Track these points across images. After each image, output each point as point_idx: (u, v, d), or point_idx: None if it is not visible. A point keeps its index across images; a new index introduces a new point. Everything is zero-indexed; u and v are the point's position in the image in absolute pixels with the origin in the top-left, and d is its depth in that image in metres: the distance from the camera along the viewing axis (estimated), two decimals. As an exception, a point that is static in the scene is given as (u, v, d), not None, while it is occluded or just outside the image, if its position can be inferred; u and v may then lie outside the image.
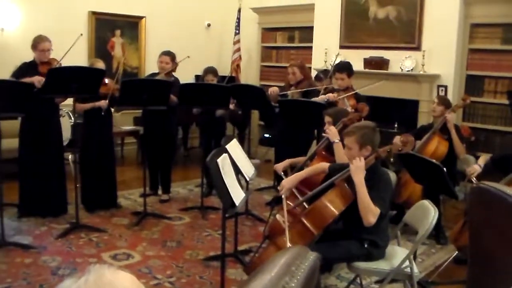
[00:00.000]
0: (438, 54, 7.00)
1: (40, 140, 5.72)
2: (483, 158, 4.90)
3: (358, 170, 3.49)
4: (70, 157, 7.20)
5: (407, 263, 3.50)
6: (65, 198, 5.99)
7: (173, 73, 6.53)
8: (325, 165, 4.11)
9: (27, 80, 5.24)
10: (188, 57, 6.36)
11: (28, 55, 5.71)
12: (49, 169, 5.79)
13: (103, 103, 5.90)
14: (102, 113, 5.89)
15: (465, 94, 6.46)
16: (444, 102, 5.82)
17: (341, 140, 4.28)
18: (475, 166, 4.79)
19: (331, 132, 4.54)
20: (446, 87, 6.98)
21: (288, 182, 3.98)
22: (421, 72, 7.11)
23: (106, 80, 5.88)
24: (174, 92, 6.01)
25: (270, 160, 8.21)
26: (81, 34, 5.71)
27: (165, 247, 5.13)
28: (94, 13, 8.55)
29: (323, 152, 4.79)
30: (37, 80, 5.25)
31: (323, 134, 4.76)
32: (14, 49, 7.16)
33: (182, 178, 7.72)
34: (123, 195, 6.68)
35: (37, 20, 7.69)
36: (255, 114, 9.06)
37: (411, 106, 7.29)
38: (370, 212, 3.40)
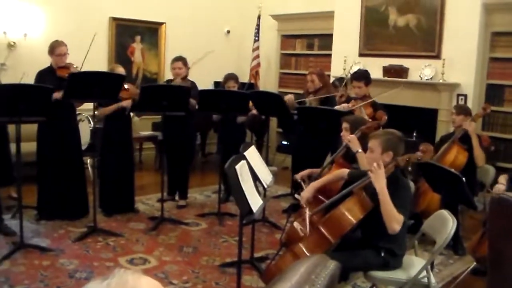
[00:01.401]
0: (458, 62, 6.95)
1: (58, 144, 5.77)
2: (503, 177, 4.83)
3: (379, 178, 3.46)
4: (88, 161, 7.25)
5: (424, 273, 3.47)
6: (85, 202, 6.03)
7: (188, 77, 6.53)
8: (344, 171, 4.10)
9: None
10: (213, 51, 6.31)
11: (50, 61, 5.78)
12: (67, 173, 5.85)
13: (128, 102, 5.94)
14: (126, 113, 5.93)
15: (486, 103, 6.41)
16: (462, 110, 5.77)
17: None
18: (499, 185, 4.73)
19: (352, 142, 4.52)
20: (466, 96, 6.93)
21: (306, 192, 3.99)
22: (441, 81, 7.06)
23: (126, 85, 5.91)
24: (193, 95, 6.04)
25: (287, 167, 8.19)
26: (96, 33, 5.73)
27: (182, 253, 5.14)
28: (114, 19, 8.61)
29: (341, 160, 4.77)
30: (57, 96, 5.31)
31: (344, 141, 4.74)
32: (36, 54, 7.23)
33: (199, 184, 7.74)
34: (140, 200, 6.71)
35: (59, 26, 7.77)
36: (273, 121, 9.06)
37: (430, 115, 7.24)
38: (394, 219, 3.38)
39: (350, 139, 4.55)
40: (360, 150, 4.42)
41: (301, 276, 1.32)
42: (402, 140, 3.75)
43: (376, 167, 3.48)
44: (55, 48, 5.65)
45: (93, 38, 5.71)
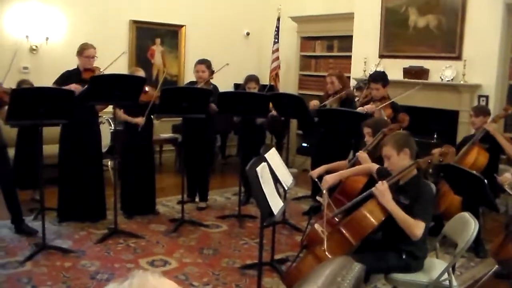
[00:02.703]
0: (479, 63, 6.89)
1: (80, 146, 5.82)
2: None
3: (382, 194, 3.49)
4: (109, 163, 7.31)
5: (446, 275, 3.45)
6: (103, 205, 6.07)
7: (211, 81, 6.55)
8: (373, 166, 4.08)
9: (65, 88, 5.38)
10: (227, 64, 6.36)
11: (71, 64, 5.85)
12: (88, 175, 5.90)
13: (140, 120, 5.97)
14: (139, 129, 5.96)
15: (507, 104, 6.35)
16: (481, 111, 5.71)
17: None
18: (507, 174, 4.70)
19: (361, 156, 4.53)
20: (487, 97, 6.87)
21: (332, 177, 4.00)
22: (462, 82, 7.01)
23: (147, 88, 5.95)
24: (214, 100, 6.06)
25: (307, 169, 8.17)
26: (124, 52, 5.78)
27: (202, 255, 5.16)
28: (135, 22, 8.68)
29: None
30: (74, 87, 5.36)
31: (357, 154, 4.72)
32: (58, 57, 7.33)
33: (219, 186, 7.76)
34: (161, 202, 6.74)
35: (80, 29, 7.85)
36: (293, 123, 9.05)
37: (451, 117, 7.19)
38: (413, 226, 3.37)
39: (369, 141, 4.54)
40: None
41: (327, 279, 1.32)
42: (411, 136, 3.74)
43: (379, 185, 3.51)
44: (84, 50, 5.72)
45: (120, 54, 5.74)
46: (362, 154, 4.53)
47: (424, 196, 3.54)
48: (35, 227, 5.53)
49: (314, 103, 6.40)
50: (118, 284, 1.22)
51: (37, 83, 5.98)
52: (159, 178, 6.75)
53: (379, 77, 6.03)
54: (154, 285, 1.22)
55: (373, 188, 3.57)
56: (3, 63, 5.90)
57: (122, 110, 6.01)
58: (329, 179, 4.05)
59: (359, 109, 5.91)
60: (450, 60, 7.19)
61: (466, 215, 3.65)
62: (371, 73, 6.94)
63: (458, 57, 7.09)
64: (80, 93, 5.32)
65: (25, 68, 7.59)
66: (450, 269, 3.49)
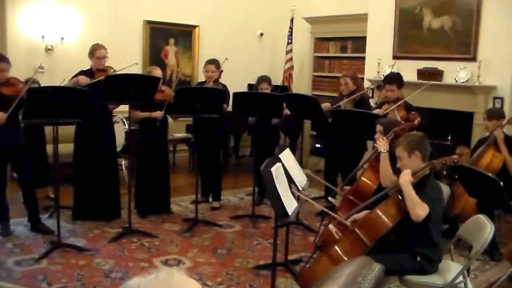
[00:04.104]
0: (494, 65, 6.84)
1: (94, 145, 5.87)
2: None
3: (404, 176, 3.54)
4: (123, 162, 7.34)
5: (460, 278, 3.44)
6: (117, 204, 6.11)
7: (219, 80, 6.55)
8: None
9: (73, 80, 5.46)
10: (226, 59, 6.34)
11: (86, 64, 5.90)
12: (102, 174, 5.94)
13: (159, 114, 5.99)
14: (157, 124, 5.99)
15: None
16: (494, 115, 5.65)
17: (392, 151, 4.25)
18: None
19: (381, 142, 4.49)
20: (502, 99, 6.83)
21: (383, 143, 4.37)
22: (476, 84, 6.97)
23: (163, 87, 5.96)
24: (225, 100, 6.07)
25: (321, 170, 8.16)
26: (136, 63, 5.81)
27: (216, 254, 5.17)
28: (149, 22, 8.72)
29: (375, 162, 4.75)
30: (82, 79, 5.41)
31: (375, 145, 4.73)
32: (73, 57, 7.37)
33: (233, 186, 7.77)
34: (174, 202, 6.76)
35: (95, 29, 7.89)
36: (307, 124, 9.03)
37: (466, 118, 7.15)
38: (418, 206, 3.38)
39: (379, 140, 4.52)
40: (384, 151, 4.39)
41: (348, 278, 1.32)
42: (425, 139, 3.74)
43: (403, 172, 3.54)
44: (95, 50, 5.77)
45: (131, 64, 5.77)
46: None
47: (431, 190, 3.54)
48: (50, 225, 5.58)
49: (326, 106, 6.40)
50: (144, 277, 1.25)
51: (52, 83, 6.02)
52: (173, 177, 6.76)
53: (394, 79, 6.01)
54: (179, 281, 1.24)
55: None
56: (19, 62, 5.96)
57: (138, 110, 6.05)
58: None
59: (377, 111, 5.90)
60: (464, 62, 7.14)
61: (482, 217, 3.64)
62: (385, 74, 6.93)
63: (473, 59, 7.05)
64: (88, 85, 5.37)
65: (40, 67, 7.62)
66: (465, 271, 3.48)
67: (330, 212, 4.26)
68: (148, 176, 6.17)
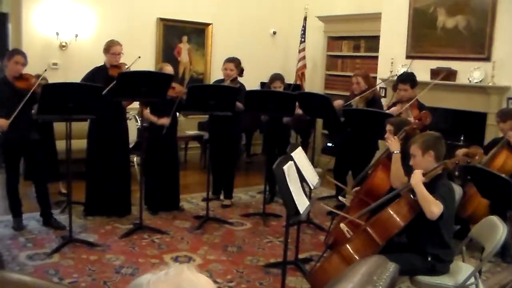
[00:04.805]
0: (509, 65, 6.77)
1: (107, 142, 5.90)
2: None
3: (415, 176, 3.54)
4: (135, 159, 7.37)
5: (472, 280, 3.42)
6: (129, 199, 6.14)
7: (239, 79, 6.56)
8: None
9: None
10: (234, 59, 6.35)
11: (100, 61, 5.92)
12: (114, 170, 5.97)
13: (165, 121, 6.00)
14: (163, 132, 5.99)
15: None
16: (507, 116, 5.60)
17: (403, 151, 4.24)
18: None
19: (392, 142, 4.47)
20: (516, 99, 6.78)
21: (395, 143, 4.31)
22: (490, 84, 6.92)
23: (173, 84, 5.98)
24: (240, 99, 6.07)
25: (332, 169, 8.16)
26: (139, 57, 5.82)
27: (226, 252, 5.18)
28: (162, 19, 8.73)
29: (386, 161, 4.73)
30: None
31: (386, 143, 4.71)
32: (87, 54, 7.40)
33: (244, 184, 7.77)
34: (185, 199, 6.77)
35: (109, 27, 7.92)
36: (319, 123, 9.02)
37: (479, 119, 7.09)
38: (432, 204, 3.38)
39: (390, 140, 4.50)
40: (396, 152, 4.37)
41: (363, 277, 1.32)
42: (441, 140, 3.74)
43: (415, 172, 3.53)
44: (110, 47, 5.79)
45: (135, 60, 5.78)
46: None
47: (442, 188, 3.53)
48: (61, 220, 5.62)
49: (338, 103, 6.38)
50: (154, 273, 1.25)
51: (66, 79, 6.06)
52: (184, 175, 6.78)
53: (408, 78, 5.99)
54: (189, 277, 1.25)
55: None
56: (34, 59, 5.99)
57: (148, 108, 6.06)
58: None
59: (392, 110, 5.88)
60: (478, 62, 7.08)
61: (494, 218, 3.61)
62: (397, 74, 6.90)
63: (487, 59, 6.99)
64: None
65: (55, 64, 7.68)
66: (477, 273, 3.46)
67: (339, 212, 4.26)
68: (157, 173, 6.18)
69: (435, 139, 3.71)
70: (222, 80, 6.54)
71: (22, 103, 5.02)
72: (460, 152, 4.98)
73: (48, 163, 6.07)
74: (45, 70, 5.48)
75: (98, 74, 5.72)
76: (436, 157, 3.63)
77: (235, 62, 6.47)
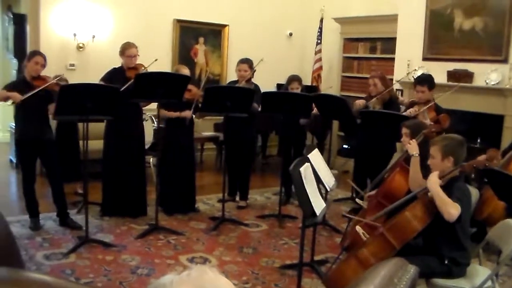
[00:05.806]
0: (527, 67, 6.74)
1: (124, 143, 5.93)
2: None
3: (432, 179, 3.53)
4: (151, 160, 7.40)
5: (489, 283, 3.40)
6: (144, 201, 6.16)
7: (252, 80, 6.57)
8: None
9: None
10: (262, 60, 6.35)
11: (117, 62, 5.96)
12: (130, 171, 6.00)
13: (188, 114, 6.03)
14: (186, 124, 6.01)
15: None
16: None
17: (421, 153, 4.22)
18: None
19: (411, 145, 4.44)
20: (534, 102, 6.72)
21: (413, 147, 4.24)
22: (508, 86, 6.86)
23: (189, 86, 6.00)
24: (256, 99, 6.07)
25: (348, 171, 8.15)
26: (156, 59, 5.85)
27: (242, 253, 5.19)
28: (179, 21, 8.78)
29: (404, 164, 4.71)
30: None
31: (405, 146, 4.69)
32: (104, 55, 7.46)
33: (260, 186, 7.78)
34: (201, 200, 6.79)
35: (125, 28, 7.98)
36: (335, 124, 9.00)
37: (496, 121, 7.04)
38: (449, 205, 3.35)
39: (409, 143, 4.48)
40: (416, 154, 4.33)
41: (383, 279, 1.32)
42: (464, 145, 3.70)
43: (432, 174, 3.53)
44: (126, 49, 5.82)
45: (152, 61, 5.81)
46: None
47: (458, 191, 3.51)
48: (78, 221, 5.65)
49: (360, 103, 6.37)
50: (176, 274, 1.26)
51: (83, 80, 6.10)
52: (200, 176, 6.80)
53: (426, 80, 5.96)
54: (211, 278, 1.26)
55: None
56: (51, 60, 6.04)
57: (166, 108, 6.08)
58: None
59: (407, 112, 5.86)
60: (496, 64, 7.03)
61: (511, 222, 3.59)
62: (414, 75, 6.87)
63: (505, 60, 6.94)
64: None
65: (72, 65, 7.75)
66: (494, 276, 3.44)
67: (353, 217, 4.24)
68: (173, 174, 6.18)
69: (456, 144, 3.67)
70: (235, 82, 6.56)
71: (29, 94, 5.08)
72: (481, 158, 4.94)
73: (71, 163, 6.13)
74: (62, 74, 5.53)
75: (115, 76, 5.76)
76: (455, 162, 3.60)
77: (248, 63, 6.48)
